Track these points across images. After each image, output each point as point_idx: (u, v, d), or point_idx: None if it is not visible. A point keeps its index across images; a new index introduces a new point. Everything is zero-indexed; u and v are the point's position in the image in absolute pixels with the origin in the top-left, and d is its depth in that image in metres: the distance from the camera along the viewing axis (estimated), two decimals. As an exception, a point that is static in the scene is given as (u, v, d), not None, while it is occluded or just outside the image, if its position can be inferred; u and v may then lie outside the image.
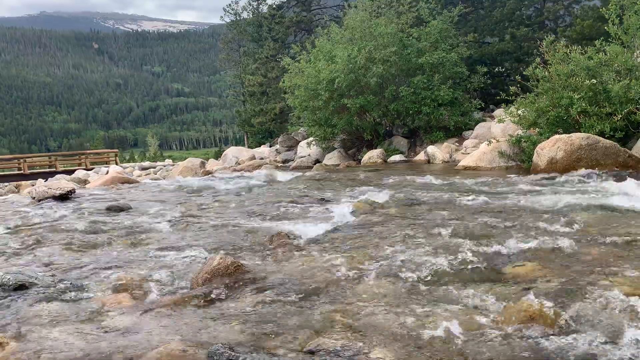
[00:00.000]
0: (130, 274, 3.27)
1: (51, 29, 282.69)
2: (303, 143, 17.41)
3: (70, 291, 3.01)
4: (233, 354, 2.13)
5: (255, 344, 2.25)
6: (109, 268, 3.49)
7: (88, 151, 36.27)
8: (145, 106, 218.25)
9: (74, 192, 7.52)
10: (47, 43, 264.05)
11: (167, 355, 2.15)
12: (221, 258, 3.21)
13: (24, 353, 2.23)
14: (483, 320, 2.37)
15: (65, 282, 3.17)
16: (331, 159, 14.70)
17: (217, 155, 30.35)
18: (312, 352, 2.15)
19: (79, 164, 29.47)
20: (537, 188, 6.16)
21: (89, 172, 23.91)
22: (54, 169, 27.72)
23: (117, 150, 39.49)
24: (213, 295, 2.90)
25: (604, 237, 3.57)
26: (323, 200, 6.12)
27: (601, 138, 7.47)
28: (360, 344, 2.19)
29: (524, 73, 9.75)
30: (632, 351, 2.00)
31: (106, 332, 2.45)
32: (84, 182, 16.91)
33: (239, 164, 18.54)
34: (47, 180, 18.63)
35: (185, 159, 21.40)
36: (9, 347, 2.28)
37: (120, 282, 3.13)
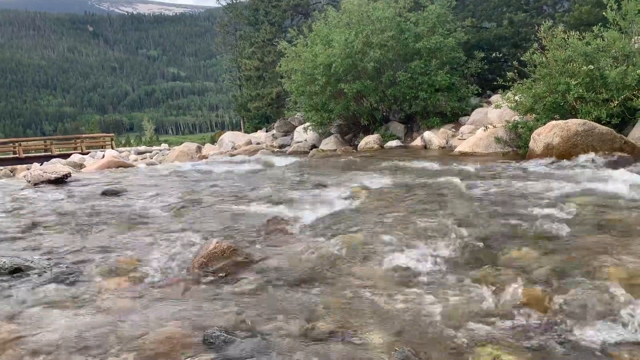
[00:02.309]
0: (127, 258, 3.28)
1: (45, 11, 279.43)
2: (300, 128, 17.35)
3: (66, 275, 3.02)
4: (229, 337, 2.15)
5: (251, 327, 2.27)
6: (105, 252, 3.50)
7: (84, 135, 36.12)
8: (141, 90, 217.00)
9: (70, 176, 7.50)
10: (42, 25, 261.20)
11: (163, 338, 2.17)
12: (217, 242, 3.22)
13: (20, 336, 2.24)
14: (477, 303, 2.39)
15: (61, 265, 3.17)
16: (328, 144, 14.67)
17: (214, 140, 30.27)
18: (307, 335, 2.17)
19: (75, 148, 29.39)
20: (533, 174, 6.17)
21: (84, 156, 23.84)
22: (50, 153, 27.62)
23: (112, 134, 39.29)
24: (209, 279, 2.91)
25: (599, 223, 3.59)
26: (319, 186, 6.12)
27: (597, 124, 7.47)
28: (356, 326, 2.21)
29: (521, 59, 9.70)
30: (624, 337, 2.02)
31: (102, 315, 2.46)
32: (79, 166, 16.85)
33: (236, 148, 18.50)
34: (42, 164, 18.58)
35: (182, 143, 21.34)
36: (5, 329, 2.29)
37: (116, 266, 3.14)
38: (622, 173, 5.47)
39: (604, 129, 7.39)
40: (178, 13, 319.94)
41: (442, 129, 12.84)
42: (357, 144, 13.83)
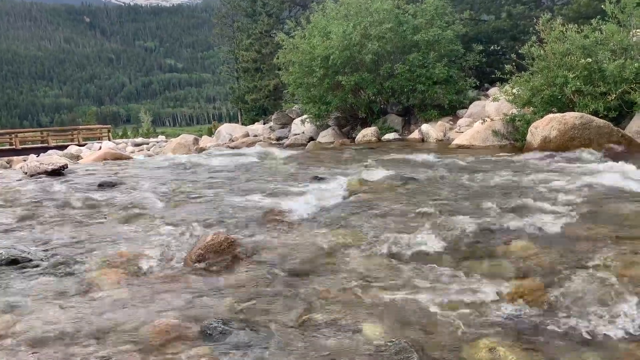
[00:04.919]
0: (124, 250, 3.28)
1: (41, 1, 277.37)
2: (297, 120, 17.33)
3: (63, 266, 3.01)
4: (226, 328, 2.15)
5: (248, 318, 2.27)
6: (102, 243, 3.49)
7: (80, 127, 36.05)
8: (138, 82, 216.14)
9: (67, 167, 7.47)
10: (38, 16, 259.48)
11: (161, 329, 2.17)
12: (215, 234, 3.21)
13: (16, 327, 2.23)
14: (474, 296, 2.40)
15: (58, 257, 3.17)
16: (325, 136, 14.65)
17: (211, 132, 30.22)
18: (304, 327, 2.18)
19: (72, 140, 29.35)
20: (530, 167, 6.18)
21: (81, 147, 23.80)
22: (46, 144, 27.59)
23: (109, 126, 39.22)
24: (206, 271, 2.91)
25: (595, 216, 3.59)
26: (317, 178, 6.11)
27: (595, 117, 7.47)
28: (353, 318, 2.21)
29: (519, 51, 9.69)
30: (620, 329, 2.03)
31: (99, 306, 2.46)
32: (76, 157, 16.84)
33: (233, 141, 18.49)
34: (39, 155, 18.54)
35: (179, 135, 21.31)
36: (1, 320, 2.29)
37: (113, 258, 3.13)
38: (619, 166, 5.48)
39: (601, 122, 7.39)
40: (175, 4, 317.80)
41: (439, 122, 12.83)
42: (355, 137, 13.81)
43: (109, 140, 29.29)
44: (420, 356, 1.92)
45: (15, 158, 21.17)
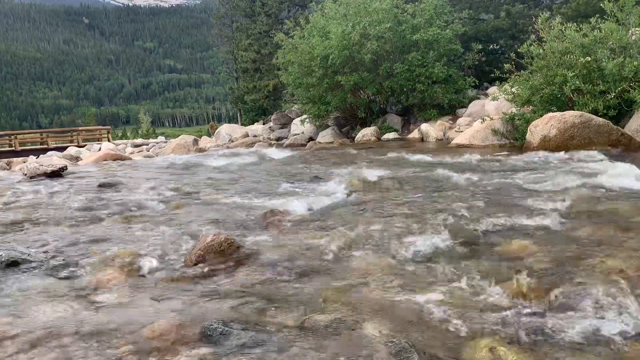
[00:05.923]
0: (123, 251, 3.27)
1: (40, 2, 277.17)
2: (297, 121, 17.35)
3: (62, 268, 3.01)
4: (227, 329, 2.15)
5: (248, 319, 2.27)
6: (102, 245, 3.49)
7: (80, 128, 36.06)
8: (137, 83, 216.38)
9: (66, 169, 7.49)
10: (37, 17, 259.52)
11: (161, 331, 2.16)
12: (214, 235, 3.21)
13: (16, 329, 2.23)
14: (474, 296, 2.40)
15: (57, 258, 3.17)
16: (325, 136, 14.66)
17: (209, 133, 30.23)
18: (305, 328, 2.17)
19: (71, 141, 29.38)
20: (530, 166, 6.18)
21: (81, 149, 23.79)
22: (46, 146, 27.59)
23: (109, 127, 39.23)
24: (206, 272, 2.91)
25: (595, 215, 3.59)
26: (317, 178, 6.11)
27: (594, 116, 7.47)
28: (353, 319, 2.21)
29: (518, 50, 9.70)
30: (621, 329, 2.03)
31: (99, 308, 2.45)
32: (76, 159, 16.84)
33: (233, 141, 18.51)
34: (38, 157, 18.56)
35: (178, 136, 21.32)
36: (1, 322, 2.28)
37: (113, 259, 3.13)
38: (619, 165, 5.48)
39: (600, 121, 7.39)
40: (174, 5, 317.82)
41: (439, 121, 12.83)
42: (355, 137, 13.81)
43: (109, 141, 29.29)
44: (420, 356, 1.92)
45: (14, 160, 21.16)
